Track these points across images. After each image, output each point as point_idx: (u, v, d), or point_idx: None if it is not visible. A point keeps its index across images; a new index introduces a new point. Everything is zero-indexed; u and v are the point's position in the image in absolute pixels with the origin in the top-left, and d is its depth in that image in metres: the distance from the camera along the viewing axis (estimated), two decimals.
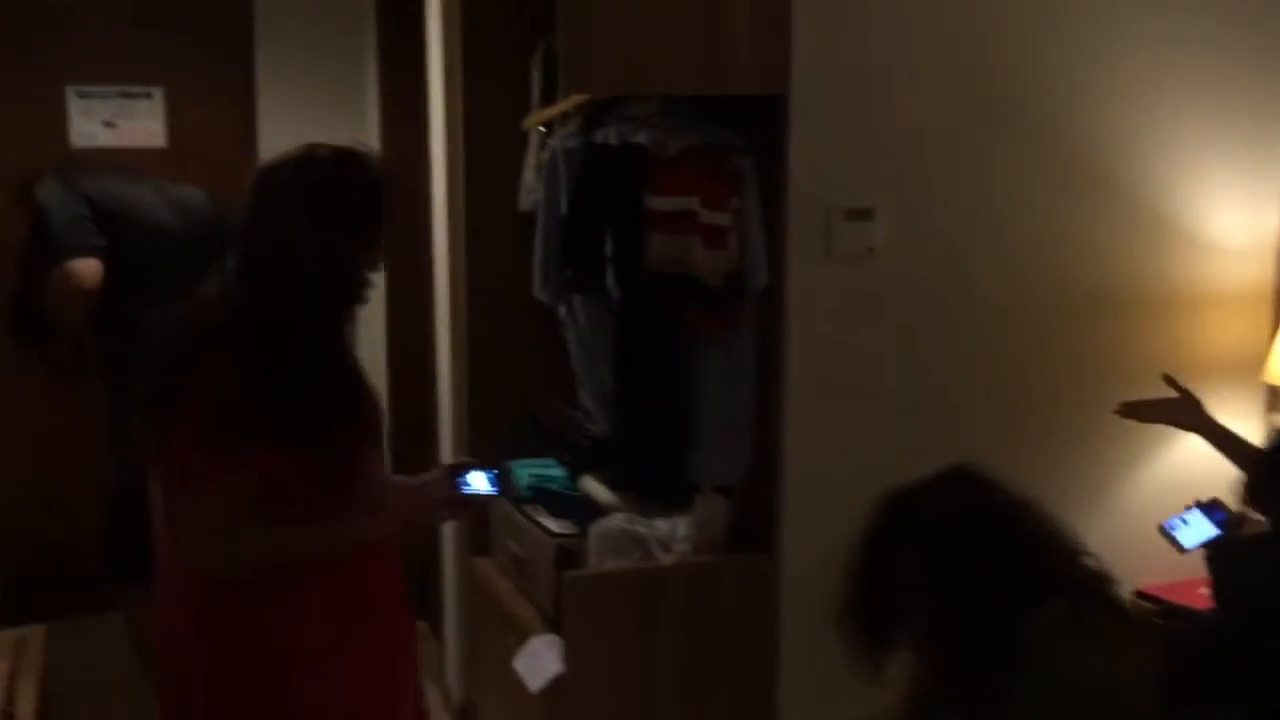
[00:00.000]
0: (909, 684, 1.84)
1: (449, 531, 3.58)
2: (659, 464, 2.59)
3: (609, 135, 2.58)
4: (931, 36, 2.60)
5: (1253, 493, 2.20)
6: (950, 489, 1.80)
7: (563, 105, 2.78)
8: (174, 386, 1.82)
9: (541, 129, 3.03)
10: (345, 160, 1.92)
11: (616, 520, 2.62)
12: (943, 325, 2.69)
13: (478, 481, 2.11)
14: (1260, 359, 2.83)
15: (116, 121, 3.96)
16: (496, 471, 2.12)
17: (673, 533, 2.60)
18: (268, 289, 1.84)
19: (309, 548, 1.91)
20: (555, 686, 2.53)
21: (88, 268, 3.24)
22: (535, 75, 3.08)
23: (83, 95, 4.20)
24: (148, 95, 3.54)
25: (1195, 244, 2.84)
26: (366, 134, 4.39)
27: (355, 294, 1.93)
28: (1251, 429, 2.91)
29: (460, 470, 2.13)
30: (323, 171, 1.89)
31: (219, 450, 1.77)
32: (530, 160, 3.08)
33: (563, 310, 2.88)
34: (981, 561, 1.71)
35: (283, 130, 4.41)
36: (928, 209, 2.64)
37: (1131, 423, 2.66)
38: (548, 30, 2.78)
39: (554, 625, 2.64)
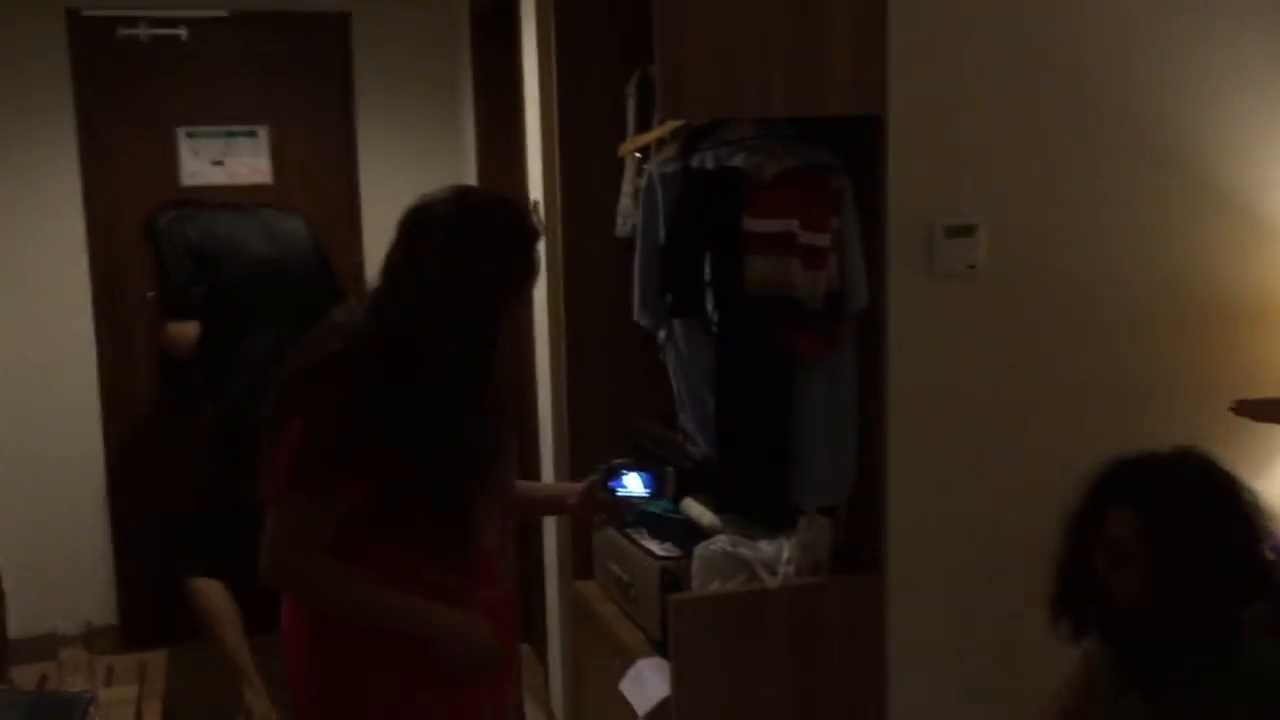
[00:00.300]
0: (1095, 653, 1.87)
1: (551, 554, 3.61)
2: (762, 486, 2.59)
3: (706, 159, 2.60)
4: (1028, 49, 2.57)
5: None
6: (1178, 464, 1.83)
7: (659, 131, 2.80)
8: (284, 410, 1.85)
9: (637, 155, 3.06)
10: (501, 208, 1.95)
11: (720, 543, 2.62)
12: (1047, 340, 2.65)
13: (633, 484, 2.09)
14: None
15: (224, 159, 4.10)
16: (653, 473, 2.09)
17: (777, 555, 2.60)
18: (401, 323, 1.84)
19: (373, 605, 1.89)
20: (662, 710, 2.54)
21: (181, 334, 3.70)
22: (630, 101, 3.11)
23: (192, 135, 4.36)
24: (252, 134, 3.67)
25: None
26: (464, 163, 4.47)
27: (491, 339, 1.91)
28: None
29: (615, 472, 2.12)
30: (479, 217, 1.91)
31: (306, 471, 1.80)
32: (627, 186, 3.10)
33: (662, 334, 2.90)
34: (1207, 541, 1.73)
35: (382, 161, 4.54)
36: (1029, 223, 2.61)
37: (1249, 433, 2.59)
38: (642, 56, 2.81)
39: (660, 648, 2.64)
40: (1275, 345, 2.76)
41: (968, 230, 2.56)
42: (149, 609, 4.43)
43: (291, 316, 3.58)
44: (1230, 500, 1.79)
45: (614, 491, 2.09)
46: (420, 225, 1.90)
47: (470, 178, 4.37)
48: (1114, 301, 2.67)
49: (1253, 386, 2.68)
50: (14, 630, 2.89)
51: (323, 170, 4.50)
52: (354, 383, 1.81)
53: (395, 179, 4.53)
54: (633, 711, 2.62)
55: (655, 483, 2.08)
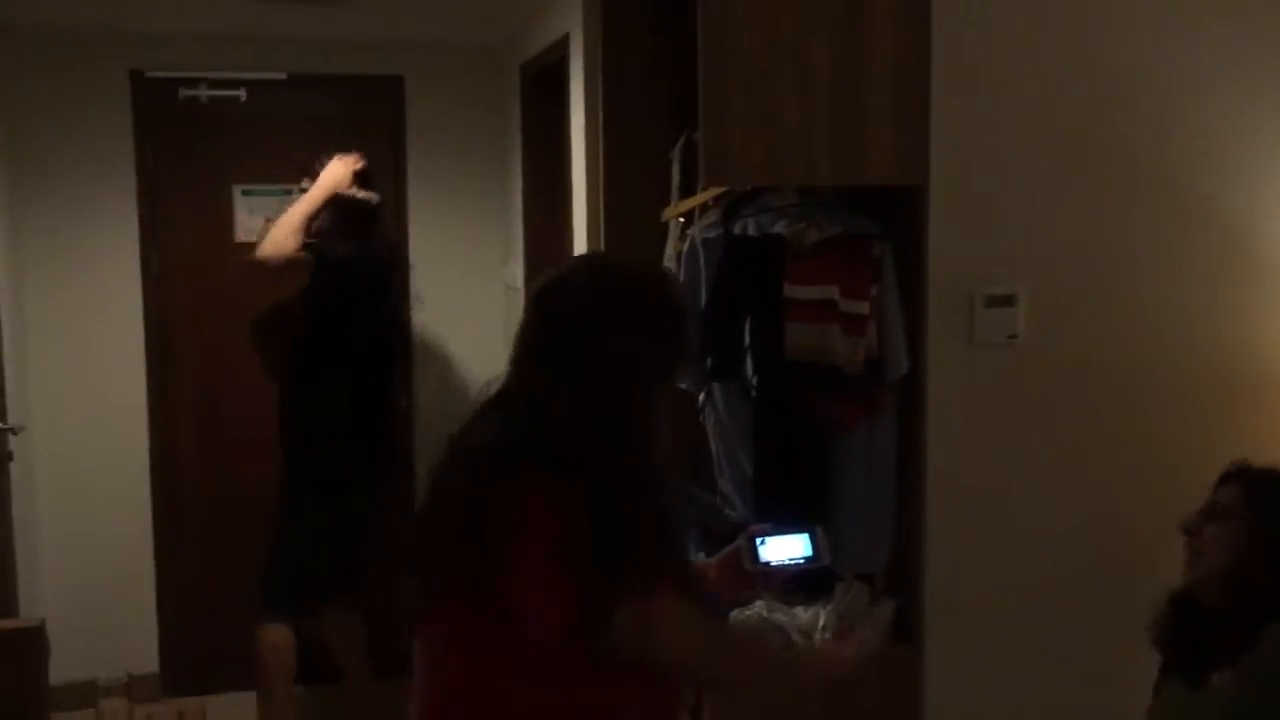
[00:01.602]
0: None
1: None
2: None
3: (748, 226, 2.63)
4: (1068, 118, 2.59)
5: None
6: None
7: (702, 196, 2.84)
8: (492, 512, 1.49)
9: (681, 219, 3.10)
10: (651, 280, 1.67)
11: (757, 608, 2.61)
12: (1088, 410, 2.64)
13: (779, 550, 1.80)
14: None
15: (278, 217, 4.17)
16: (809, 534, 1.81)
17: (814, 622, 2.58)
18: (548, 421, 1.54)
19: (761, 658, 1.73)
20: None
21: None
22: (675, 165, 3.16)
23: (247, 193, 4.45)
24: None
25: None
26: (511, 224, 4.54)
27: (639, 437, 1.58)
28: None
29: (756, 540, 1.82)
30: (627, 291, 1.62)
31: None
32: (669, 250, 3.14)
33: (702, 397, 2.91)
34: None
35: (431, 220, 4.62)
36: (1070, 293, 2.61)
37: None
38: (688, 121, 2.86)
39: (696, 715, 2.63)
40: None
41: (1008, 300, 2.56)
42: (190, 658, 4.47)
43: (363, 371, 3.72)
44: None
45: (761, 562, 1.78)
46: (557, 303, 1.61)
47: (517, 239, 4.43)
48: (1156, 370, 2.66)
49: None
50: (56, 677, 2.92)
51: None
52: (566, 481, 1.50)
53: (443, 238, 4.62)
54: None
55: (813, 546, 1.81)
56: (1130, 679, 2.20)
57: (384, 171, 4.57)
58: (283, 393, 3.71)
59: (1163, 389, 2.66)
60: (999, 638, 2.62)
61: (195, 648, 4.48)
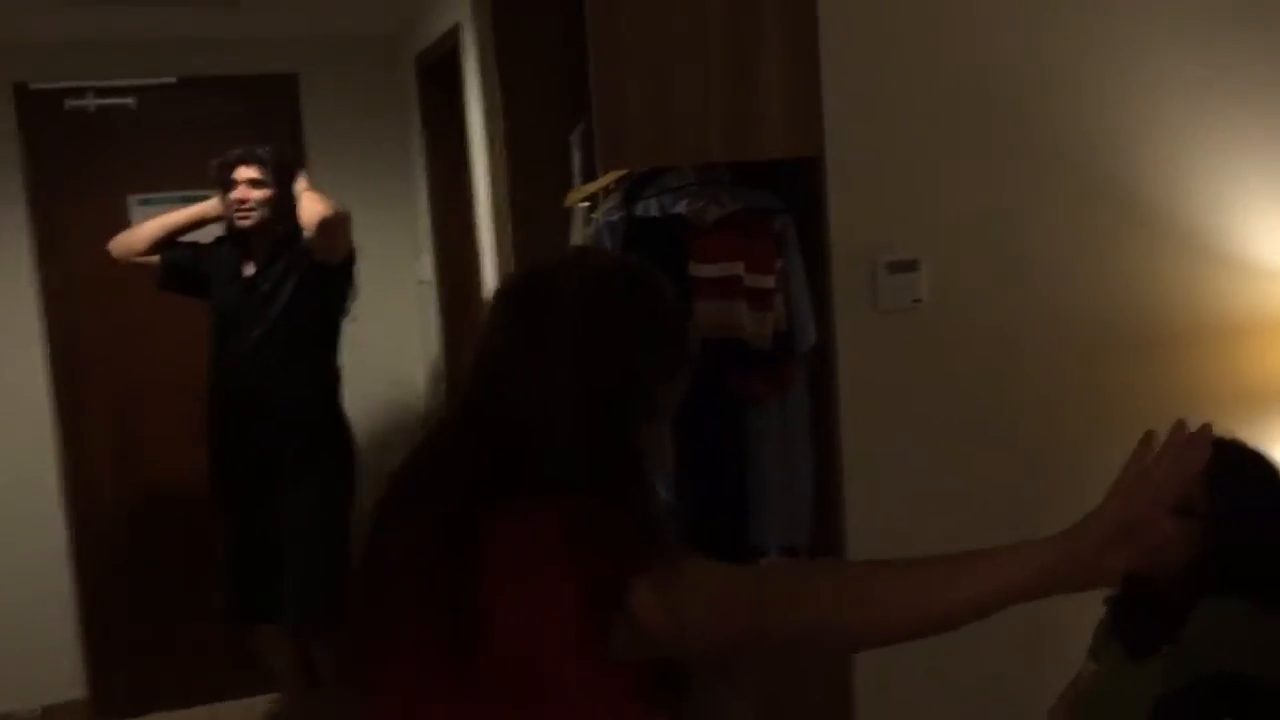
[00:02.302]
0: None
1: None
2: (721, 529, 2.60)
3: (649, 207, 2.63)
4: (962, 85, 2.62)
5: None
6: (1236, 443, 1.91)
7: (603, 180, 2.83)
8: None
9: (584, 204, 3.09)
10: (646, 278, 1.41)
11: None
12: (994, 370, 2.68)
13: None
14: None
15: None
16: None
17: None
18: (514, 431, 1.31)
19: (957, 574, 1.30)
20: None
21: None
22: (575, 151, 3.14)
23: (145, 203, 4.35)
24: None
25: (1248, 271, 2.81)
26: (419, 218, 4.50)
27: (634, 455, 1.34)
28: None
29: None
30: (627, 289, 1.38)
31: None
32: (576, 236, 3.13)
33: None
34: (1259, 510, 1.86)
35: None
36: (971, 256, 2.65)
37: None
38: (586, 105, 2.85)
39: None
40: (1215, 366, 2.81)
41: (910, 265, 2.59)
42: (119, 680, 4.38)
43: None
44: (1269, 469, 1.90)
45: None
46: (543, 300, 1.36)
47: (424, 233, 4.39)
48: (1055, 329, 2.71)
49: (1194, 408, 2.70)
50: None
51: None
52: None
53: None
54: None
55: None
56: (1055, 635, 2.24)
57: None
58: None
59: (1063, 346, 2.72)
60: None
61: (125, 669, 4.39)
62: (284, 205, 3.50)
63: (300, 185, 3.53)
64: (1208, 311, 2.79)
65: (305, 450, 3.51)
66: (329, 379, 3.61)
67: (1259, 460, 1.90)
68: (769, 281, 2.49)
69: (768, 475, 2.58)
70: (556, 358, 1.32)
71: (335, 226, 3.43)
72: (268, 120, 4.47)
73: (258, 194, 3.49)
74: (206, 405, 3.58)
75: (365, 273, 4.50)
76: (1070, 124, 2.68)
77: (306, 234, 3.41)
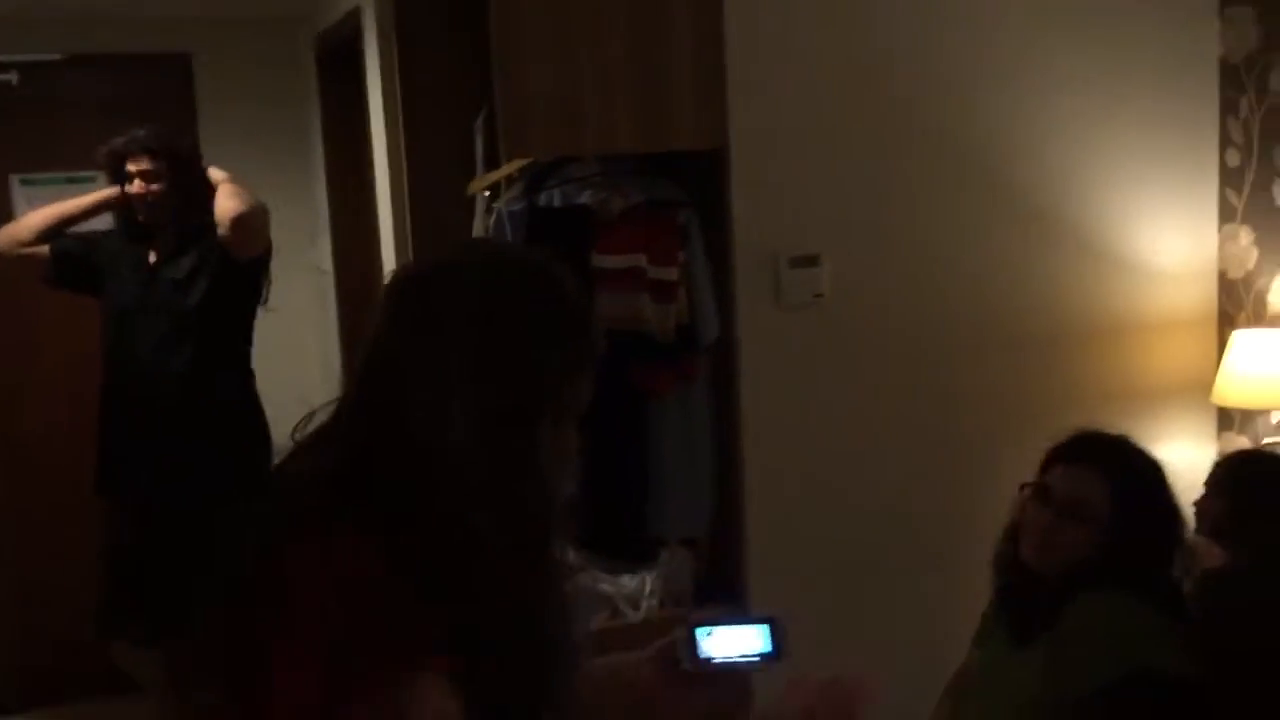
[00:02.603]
0: None
1: None
2: (622, 521, 2.59)
3: (553, 197, 2.60)
4: (866, 83, 2.64)
5: (1216, 526, 2.24)
6: (1135, 444, 1.97)
7: (506, 169, 2.79)
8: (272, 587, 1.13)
9: (486, 193, 3.04)
10: (550, 270, 1.26)
11: (582, 579, 2.60)
12: (893, 364, 2.71)
13: (729, 643, 1.38)
14: (1207, 382, 2.87)
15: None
16: (768, 624, 1.40)
17: (640, 589, 2.59)
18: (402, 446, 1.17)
19: None
20: None
21: None
22: (478, 138, 3.10)
23: (27, 183, 4.19)
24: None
25: (1138, 271, 2.88)
26: (316, 209, 4.40)
27: (538, 466, 1.20)
28: (1204, 451, 2.95)
29: (697, 632, 1.37)
30: (526, 282, 1.24)
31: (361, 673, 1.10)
32: (477, 224, 3.08)
33: None
34: (1157, 518, 1.89)
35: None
36: (872, 252, 2.68)
37: None
38: (489, 93, 2.80)
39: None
40: (1112, 364, 2.88)
41: (812, 260, 2.61)
42: (10, 676, 4.20)
43: None
44: (1161, 473, 1.92)
45: (703, 659, 1.35)
46: (439, 291, 1.22)
47: (322, 218, 4.30)
48: (952, 325, 2.76)
49: (1084, 404, 2.78)
50: None
51: None
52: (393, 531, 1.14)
53: None
54: None
55: (773, 640, 1.40)
56: (948, 623, 2.27)
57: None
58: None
59: (958, 343, 2.76)
60: (820, 592, 2.68)
61: (12, 665, 4.21)
62: (189, 197, 3.25)
63: (216, 176, 3.28)
64: (1098, 310, 2.86)
65: (218, 450, 3.22)
66: (244, 375, 3.38)
67: (1146, 458, 1.93)
68: (672, 274, 2.48)
69: (668, 468, 2.57)
70: (451, 354, 1.18)
71: (251, 224, 3.19)
72: (159, 101, 4.33)
73: (156, 187, 3.23)
74: (101, 403, 3.28)
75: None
76: (970, 124, 2.72)
77: (221, 231, 3.21)
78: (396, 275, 1.30)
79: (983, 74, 2.73)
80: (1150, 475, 1.90)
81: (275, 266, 4.10)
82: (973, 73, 2.72)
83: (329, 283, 4.27)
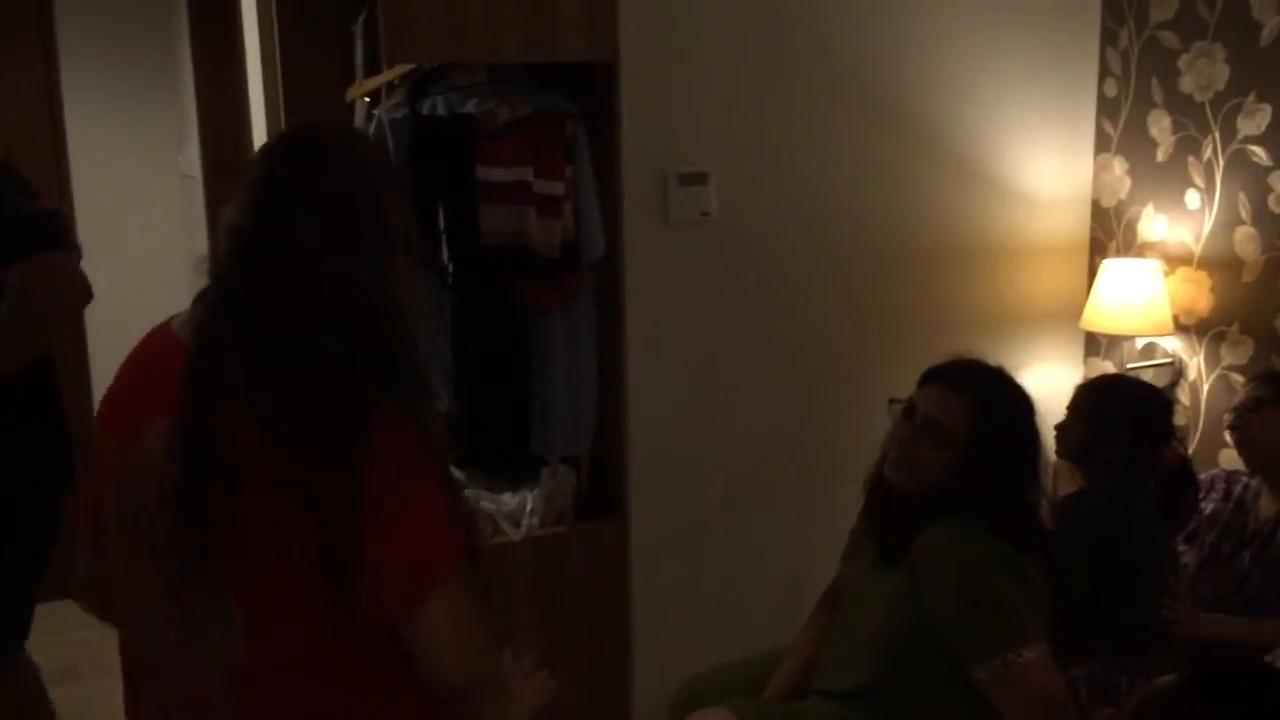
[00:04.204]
0: None
1: None
2: (504, 439, 2.56)
3: (436, 105, 2.52)
4: (758, 1, 2.61)
5: (1074, 449, 2.31)
6: (988, 366, 2.01)
7: (387, 75, 2.70)
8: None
9: (366, 99, 2.94)
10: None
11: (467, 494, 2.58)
12: (777, 285, 2.72)
13: None
14: (1077, 307, 2.96)
15: None
16: None
17: (521, 507, 2.58)
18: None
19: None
20: None
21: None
22: (358, 42, 2.98)
23: None
24: None
25: (1014, 197, 2.94)
26: (184, 112, 4.20)
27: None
28: (1070, 375, 3.05)
29: None
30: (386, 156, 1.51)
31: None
32: None
33: None
34: (1012, 436, 1.94)
35: (91, 106, 4.20)
36: (760, 171, 2.67)
37: None
38: None
39: None
40: (986, 287, 2.94)
41: (700, 178, 2.59)
42: None
43: None
44: (1027, 407, 1.94)
45: None
46: (319, 154, 1.35)
47: (190, 123, 4.11)
48: (838, 246, 2.78)
49: (959, 326, 2.85)
50: None
51: (20, 111, 4.11)
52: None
53: (105, 125, 4.22)
54: None
55: None
56: (822, 538, 2.32)
57: (29, 52, 4.11)
58: None
59: (841, 264, 2.78)
60: (700, 507, 2.71)
61: None
62: None
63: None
64: (975, 233, 2.91)
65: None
66: None
67: (1016, 393, 1.96)
68: (559, 188, 2.44)
69: (552, 385, 2.55)
70: (366, 224, 1.33)
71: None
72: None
73: None
74: None
75: (124, 167, 4.21)
76: (857, 44, 2.72)
77: None
78: (289, 141, 1.41)
79: (874, 8, 2.71)
80: (1014, 410, 1.93)
81: (138, 172, 3.88)
82: (865, 5, 2.70)
83: (197, 188, 4.10)
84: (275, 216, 1.31)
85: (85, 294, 2.16)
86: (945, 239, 2.88)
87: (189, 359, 1.29)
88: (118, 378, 1.42)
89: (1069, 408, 2.37)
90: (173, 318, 1.39)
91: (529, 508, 2.58)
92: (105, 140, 4.18)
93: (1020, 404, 1.94)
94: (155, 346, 1.39)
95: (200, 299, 1.34)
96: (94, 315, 3.87)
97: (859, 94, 2.73)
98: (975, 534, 1.83)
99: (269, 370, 1.26)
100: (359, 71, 2.99)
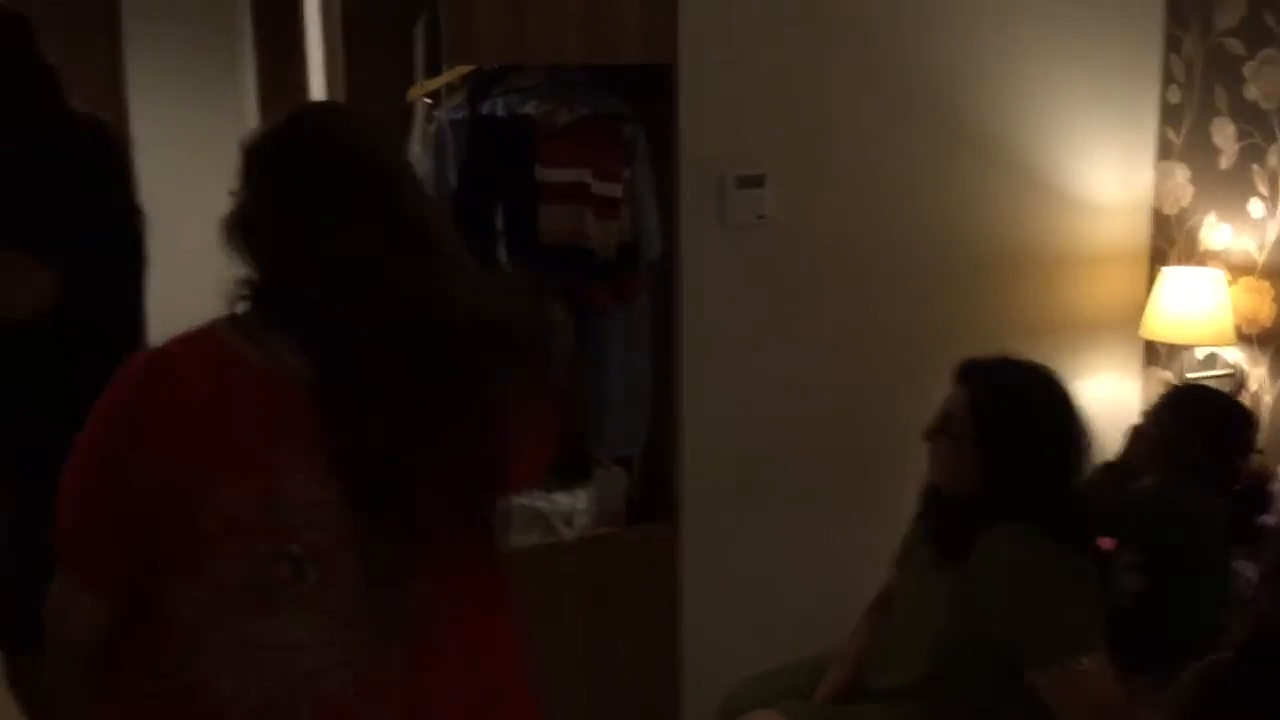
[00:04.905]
0: None
1: None
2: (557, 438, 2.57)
3: (496, 106, 2.54)
4: (821, 5, 2.60)
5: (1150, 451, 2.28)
6: (1010, 360, 1.95)
7: (448, 76, 2.72)
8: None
9: (427, 100, 2.97)
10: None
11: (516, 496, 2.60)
12: (833, 289, 2.72)
13: None
14: (1136, 315, 2.92)
15: None
16: None
17: (573, 506, 2.60)
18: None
19: None
20: None
21: None
22: (419, 43, 3.01)
23: None
24: None
25: (1074, 205, 2.91)
26: (245, 110, 4.27)
27: None
28: (1129, 384, 3.01)
29: None
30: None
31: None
32: (417, 132, 3.01)
33: None
34: (1025, 429, 1.89)
35: (155, 111, 4.27)
36: (817, 175, 2.66)
37: None
38: None
39: None
40: (1045, 294, 2.92)
41: (757, 181, 2.59)
42: None
43: None
44: (1043, 397, 1.89)
45: None
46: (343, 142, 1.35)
47: (251, 121, 4.17)
48: (895, 252, 2.76)
49: (1016, 333, 2.82)
50: None
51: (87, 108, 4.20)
52: None
53: (169, 123, 4.29)
54: None
55: None
56: (874, 544, 2.31)
57: (97, 52, 4.21)
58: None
59: (898, 269, 2.77)
60: (752, 513, 2.70)
61: None
62: None
63: None
64: (1034, 241, 2.89)
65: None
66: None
67: (1020, 374, 1.92)
68: (617, 190, 2.45)
69: (607, 385, 2.56)
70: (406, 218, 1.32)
71: None
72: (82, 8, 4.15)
73: None
74: None
75: (184, 164, 4.27)
76: (919, 50, 2.70)
77: None
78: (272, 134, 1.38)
79: (939, 8, 2.70)
80: (1023, 398, 1.89)
81: (198, 170, 3.93)
82: (930, 6, 2.69)
83: None
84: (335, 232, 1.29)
85: (38, 297, 2.06)
86: (1004, 245, 2.86)
87: (328, 398, 1.25)
88: (190, 418, 1.26)
89: (1148, 411, 2.34)
90: (212, 335, 1.31)
91: (580, 507, 2.59)
92: (168, 140, 4.25)
93: (1032, 393, 1.90)
94: (237, 380, 1.28)
95: (266, 325, 1.29)
96: (155, 315, 3.93)
97: (919, 98, 2.72)
98: (1033, 537, 1.81)
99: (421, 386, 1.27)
100: (419, 73, 3.02)
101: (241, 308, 1.32)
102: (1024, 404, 1.89)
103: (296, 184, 1.31)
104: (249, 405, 1.27)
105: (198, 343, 1.30)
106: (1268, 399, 2.79)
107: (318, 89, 3.40)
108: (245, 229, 1.33)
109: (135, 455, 1.24)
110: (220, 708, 1.26)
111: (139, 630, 1.28)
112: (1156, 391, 2.44)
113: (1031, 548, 1.81)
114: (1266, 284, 2.78)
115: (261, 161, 1.35)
